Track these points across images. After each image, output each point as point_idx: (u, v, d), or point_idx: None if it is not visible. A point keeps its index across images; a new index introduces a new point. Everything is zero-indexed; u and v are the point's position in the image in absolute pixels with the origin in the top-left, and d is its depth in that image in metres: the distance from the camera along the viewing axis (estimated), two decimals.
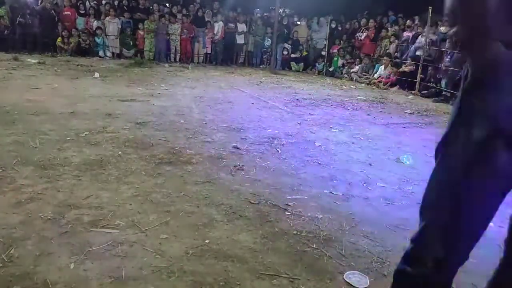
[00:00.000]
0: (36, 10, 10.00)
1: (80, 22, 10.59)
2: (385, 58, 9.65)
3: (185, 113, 4.63)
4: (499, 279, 1.13)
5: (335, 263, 1.76)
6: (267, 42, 12.26)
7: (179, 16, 11.22)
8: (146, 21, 10.73)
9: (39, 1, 10.04)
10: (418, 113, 6.00)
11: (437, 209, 1.00)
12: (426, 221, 1.03)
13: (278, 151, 3.40)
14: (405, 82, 8.88)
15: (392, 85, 9.05)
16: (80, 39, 10.32)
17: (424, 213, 1.04)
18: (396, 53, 9.89)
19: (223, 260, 1.71)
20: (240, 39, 11.94)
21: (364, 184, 2.79)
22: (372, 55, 10.59)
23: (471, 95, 0.92)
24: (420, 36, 8.96)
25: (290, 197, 2.45)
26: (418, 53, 8.81)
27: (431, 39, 8.49)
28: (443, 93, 7.73)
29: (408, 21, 9.89)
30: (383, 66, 9.60)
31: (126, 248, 1.74)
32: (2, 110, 4.00)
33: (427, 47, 8.43)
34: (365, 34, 10.89)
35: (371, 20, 10.93)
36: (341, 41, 11.61)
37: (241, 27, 11.78)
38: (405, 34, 9.85)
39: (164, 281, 1.54)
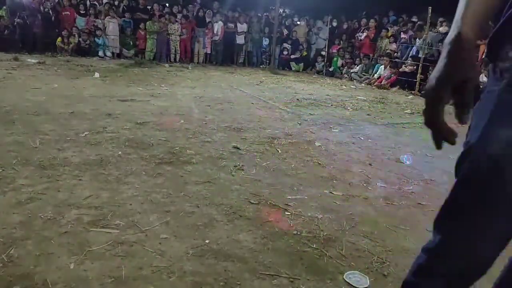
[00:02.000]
0: (34, 11, 9.98)
1: (80, 22, 10.58)
2: (385, 58, 9.65)
3: (185, 113, 4.62)
4: (507, 280, 1.10)
5: (335, 263, 1.76)
6: (266, 42, 12.26)
7: (179, 16, 11.22)
8: (148, 22, 10.70)
9: (37, 2, 10.03)
10: (418, 113, 5.99)
11: (461, 221, 0.90)
12: (445, 233, 0.94)
13: (278, 151, 3.40)
14: (405, 82, 8.88)
15: (392, 85, 9.06)
16: (80, 39, 10.32)
17: (443, 225, 0.95)
18: (395, 53, 9.90)
19: (223, 260, 1.71)
20: (240, 39, 11.93)
21: (364, 184, 2.79)
22: (372, 55, 10.59)
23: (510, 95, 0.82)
24: (417, 37, 8.99)
25: (290, 197, 2.45)
26: (415, 53, 8.83)
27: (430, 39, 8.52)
28: None
29: (406, 24, 9.91)
30: (383, 66, 9.61)
31: (126, 248, 1.74)
32: (2, 110, 4.00)
33: (425, 47, 8.44)
34: (365, 34, 10.88)
35: (371, 20, 10.93)
36: (341, 41, 11.60)
37: (241, 27, 11.77)
38: (403, 35, 9.86)
39: (164, 281, 1.54)
